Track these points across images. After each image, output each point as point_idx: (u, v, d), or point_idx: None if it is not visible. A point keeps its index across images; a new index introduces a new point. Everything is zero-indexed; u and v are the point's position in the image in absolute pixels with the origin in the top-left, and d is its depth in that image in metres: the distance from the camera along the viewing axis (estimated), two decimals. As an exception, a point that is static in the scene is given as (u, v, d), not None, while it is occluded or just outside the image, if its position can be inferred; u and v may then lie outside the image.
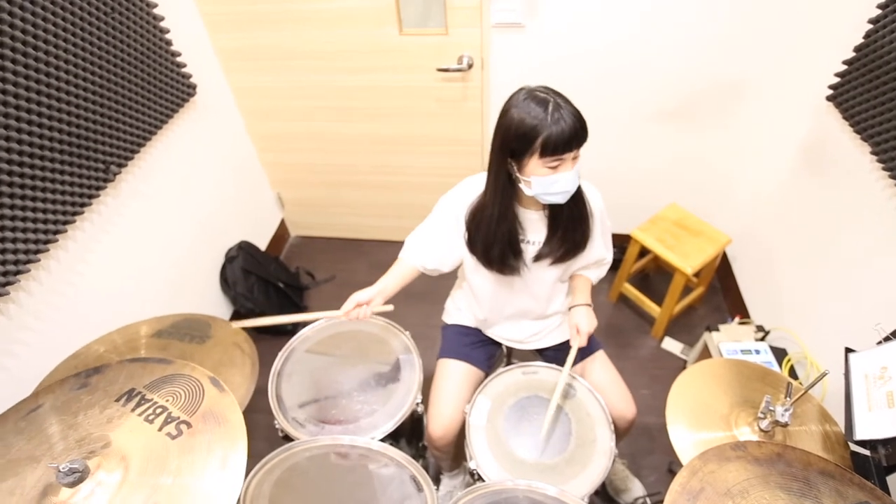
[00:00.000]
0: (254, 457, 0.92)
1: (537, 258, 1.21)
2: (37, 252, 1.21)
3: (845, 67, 1.45)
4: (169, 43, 1.59)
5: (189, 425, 0.87)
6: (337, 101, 2.01)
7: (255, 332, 1.27)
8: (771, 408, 1.02)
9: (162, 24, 1.54)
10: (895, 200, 1.32)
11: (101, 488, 0.79)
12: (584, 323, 1.25)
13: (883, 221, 1.37)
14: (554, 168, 1.01)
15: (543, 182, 1.02)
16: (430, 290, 1.65)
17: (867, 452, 0.97)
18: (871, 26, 1.34)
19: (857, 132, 1.42)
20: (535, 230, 1.19)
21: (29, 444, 0.86)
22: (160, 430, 0.87)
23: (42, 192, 1.21)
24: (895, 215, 1.32)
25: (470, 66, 1.81)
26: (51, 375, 1.19)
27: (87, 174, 1.34)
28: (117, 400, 0.92)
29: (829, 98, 1.54)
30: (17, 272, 1.16)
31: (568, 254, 1.21)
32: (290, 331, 1.56)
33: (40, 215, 1.21)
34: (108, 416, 0.89)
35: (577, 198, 1.13)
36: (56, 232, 1.26)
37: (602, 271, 1.37)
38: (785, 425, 1.02)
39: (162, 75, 1.57)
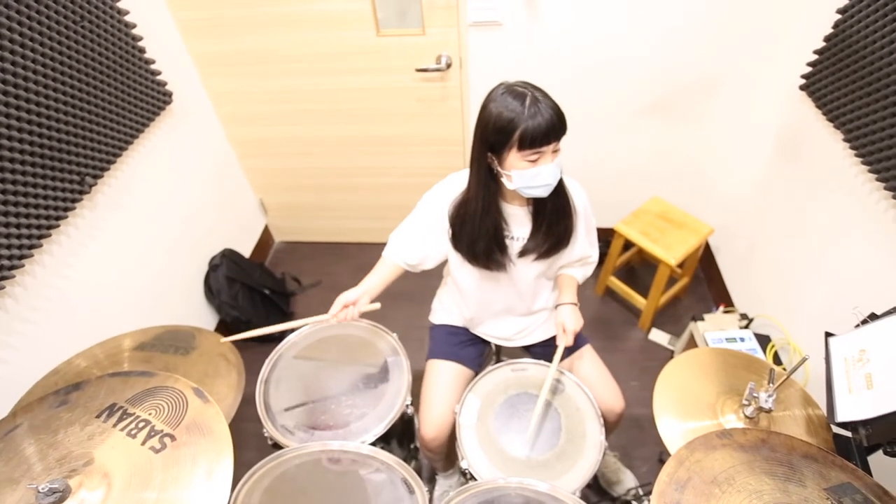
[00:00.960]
0: (243, 466, 0.91)
1: (522, 253, 1.21)
2: (11, 268, 1.18)
3: (816, 57, 1.48)
4: (142, 51, 1.56)
5: (173, 438, 0.86)
6: (316, 104, 1.99)
7: (242, 341, 1.25)
8: (755, 394, 1.03)
9: (134, 31, 1.52)
10: (867, 186, 1.35)
11: (83, 507, 0.78)
12: (570, 321, 1.26)
13: (856, 207, 1.40)
14: (534, 161, 1.01)
15: (524, 175, 1.03)
16: (416, 290, 1.64)
17: (849, 434, 0.99)
18: (839, 16, 1.37)
19: (830, 120, 1.45)
20: (519, 225, 1.20)
21: (7, 466, 0.84)
22: (143, 444, 0.85)
23: (14, 207, 1.18)
24: (867, 200, 1.35)
25: (448, 66, 1.81)
26: (30, 392, 1.16)
27: (61, 186, 1.31)
28: (98, 416, 0.90)
29: (802, 87, 1.57)
30: (-8, 289, 1.13)
31: (553, 248, 1.21)
32: (277, 337, 1.53)
33: (13, 230, 1.18)
34: (90, 433, 0.88)
35: (560, 192, 1.14)
36: (31, 247, 1.23)
37: (588, 270, 1.38)
38: (769, 411, 1.03)
39: (136, 84, 1.54)
